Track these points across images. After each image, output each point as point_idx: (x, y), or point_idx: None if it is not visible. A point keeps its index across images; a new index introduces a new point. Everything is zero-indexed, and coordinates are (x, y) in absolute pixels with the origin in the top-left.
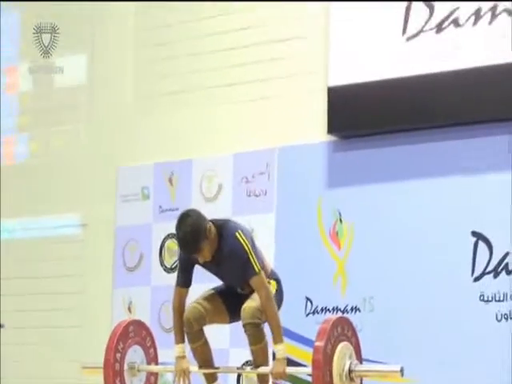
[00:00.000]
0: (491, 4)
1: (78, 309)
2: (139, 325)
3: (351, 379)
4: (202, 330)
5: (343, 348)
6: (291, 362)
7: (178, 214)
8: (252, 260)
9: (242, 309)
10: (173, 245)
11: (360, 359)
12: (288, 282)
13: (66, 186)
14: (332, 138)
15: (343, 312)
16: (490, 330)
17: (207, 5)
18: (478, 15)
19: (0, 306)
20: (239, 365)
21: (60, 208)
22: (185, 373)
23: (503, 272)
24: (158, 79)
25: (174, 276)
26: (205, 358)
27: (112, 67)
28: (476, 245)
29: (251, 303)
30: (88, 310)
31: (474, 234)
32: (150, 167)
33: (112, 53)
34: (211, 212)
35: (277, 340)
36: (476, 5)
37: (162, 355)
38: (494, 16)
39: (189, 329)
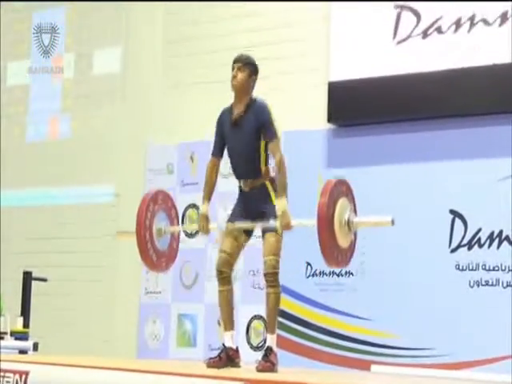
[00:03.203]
0: (470, 14)
1: (112, 268)
2: (167, 196)
3: (349, 228)
4: (230, 277)
5: (343, 202)
6: (292, 318)
7: (197, 187)
8: (275, 126)
9: (264, 261)
10: (193, 213)
11: (355, 212)
12: (291, 248)
13: (102, 161)
14: (331, 126)
15: (338, 275)
16: (463, 295)
17: (223, 8)
18: (458, 24)
19: (45, 261)
20: (247, 320)
21: (97, 179)
22: (206, 232)
23: (476, 245)
24: (182, 71)
25: (194, 241)
26: (227, 302)
27: (143, 59)
28: (453, 221)
29: (271, 256)
30: (120, 269)
31: (452, 212)
32: (175, 146)
33: (143, 46)
34: (228, 188)
35: (280, 194)
36: (457, 15)
37: (182, 308)
38: (472, 25)
39: (219, 275)
